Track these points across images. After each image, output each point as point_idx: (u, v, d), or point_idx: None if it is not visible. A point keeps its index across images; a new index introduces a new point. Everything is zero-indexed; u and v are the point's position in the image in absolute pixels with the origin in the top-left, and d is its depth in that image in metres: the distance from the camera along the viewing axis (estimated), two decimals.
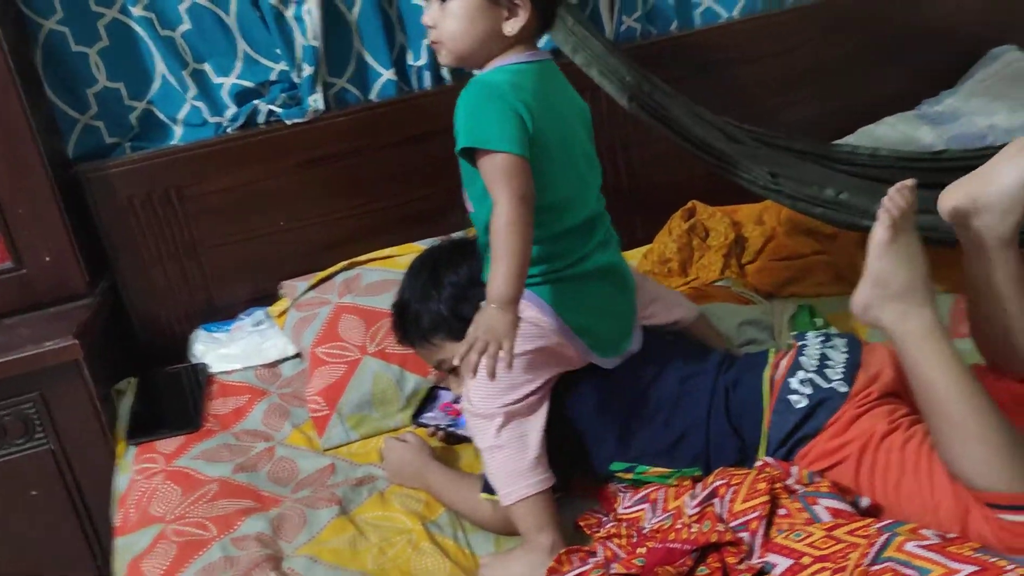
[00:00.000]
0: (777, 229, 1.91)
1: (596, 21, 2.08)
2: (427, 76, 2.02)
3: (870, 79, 2.30)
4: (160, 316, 1.93)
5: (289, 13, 1.88)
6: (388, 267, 1.87)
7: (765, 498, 1.07)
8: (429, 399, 1.59)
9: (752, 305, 1.69)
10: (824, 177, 1.52)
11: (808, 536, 1.01)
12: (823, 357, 1.23)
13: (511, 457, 1.21)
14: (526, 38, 1.20)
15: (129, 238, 1.87)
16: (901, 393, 1.18)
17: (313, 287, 1.86)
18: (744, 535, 1.06)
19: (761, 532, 1.05)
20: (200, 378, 1.76)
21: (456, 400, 1.57)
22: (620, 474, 1.28)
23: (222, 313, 1.96)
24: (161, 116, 1.93)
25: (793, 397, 1.18)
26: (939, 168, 1.50)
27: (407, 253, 1.90)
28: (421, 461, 1.40)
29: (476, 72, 1.25)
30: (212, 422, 1.65)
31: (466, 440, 1.51)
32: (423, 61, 2.00)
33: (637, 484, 1.27)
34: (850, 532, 1.00)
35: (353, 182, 1.98)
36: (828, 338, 1.27)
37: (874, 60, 2.29)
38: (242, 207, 1.92)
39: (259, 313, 1.88)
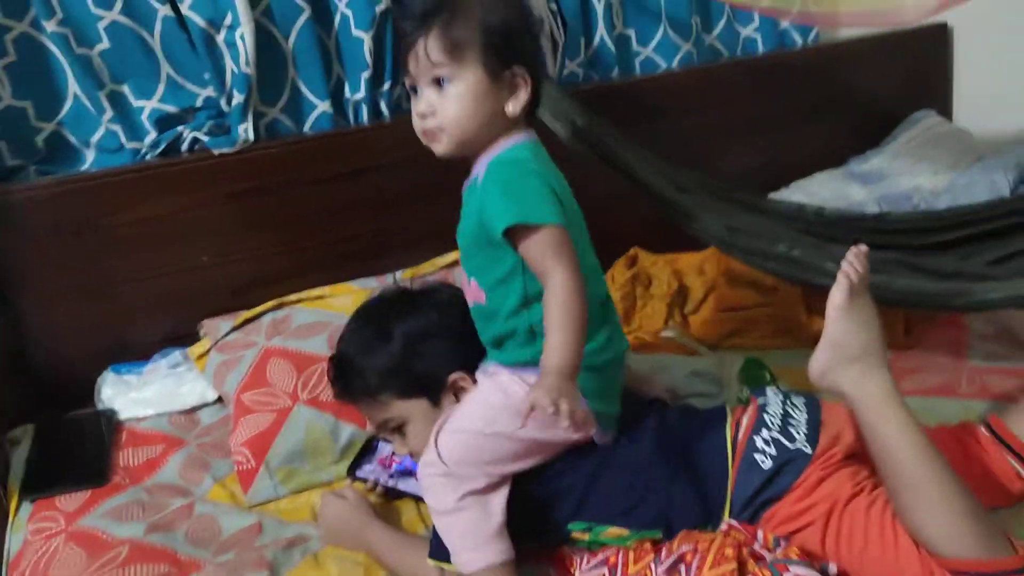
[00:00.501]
0: (718, 279, 1.90)
1: None
2: (364, 110, 1.94)
3: (799, 135, 2.35)
4: (63, 356, 1.75)
5: (220, 37, 1.77)
6: (320, 307, 1.76)
7: (733, 565, 1.02)
8: (366, 451, 1.49)
9: (698, 356, 1.66)
10: (773, 232, 1.51)
11: None
12: (785, 415, 1.19)
13: (474, 522, 1.12)
14: (523, 117, 1.17)
15: (32, 270, 1.70)
16: (861, 455, 1.15)
17: (238, 327, 1.73)
18: None
19: None
20: (107, 425, 1.60)
21: (395, 452, 1.47)
22: (576, 534, 1.21)
23: (134, 354, 1.80)
24: (72, 139, 1.79)
25: (758, 456, 1.14)
26: (882, 230, 1.52)
27: (340, 294, 1.80)
28: (361, 520, 1.30)
29: (478, 156, 1.19)
30: (121, 475, 1.49)
31: (408, 496, 1.41)
32: (361, 95, 1.92)
33: (593, 546, 1.20)
34: None
35: (282, 217, 1.87)
36: (787, 396, 1.24)
37: (803, 118, 2.35)
38: (161, 240, 1.78)
39: (176, 354, 1.74)
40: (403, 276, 1.88)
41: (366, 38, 1.87)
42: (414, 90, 1.16)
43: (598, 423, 1.20)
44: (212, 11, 1.74)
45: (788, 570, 1.00)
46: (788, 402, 1.22)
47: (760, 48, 2.34)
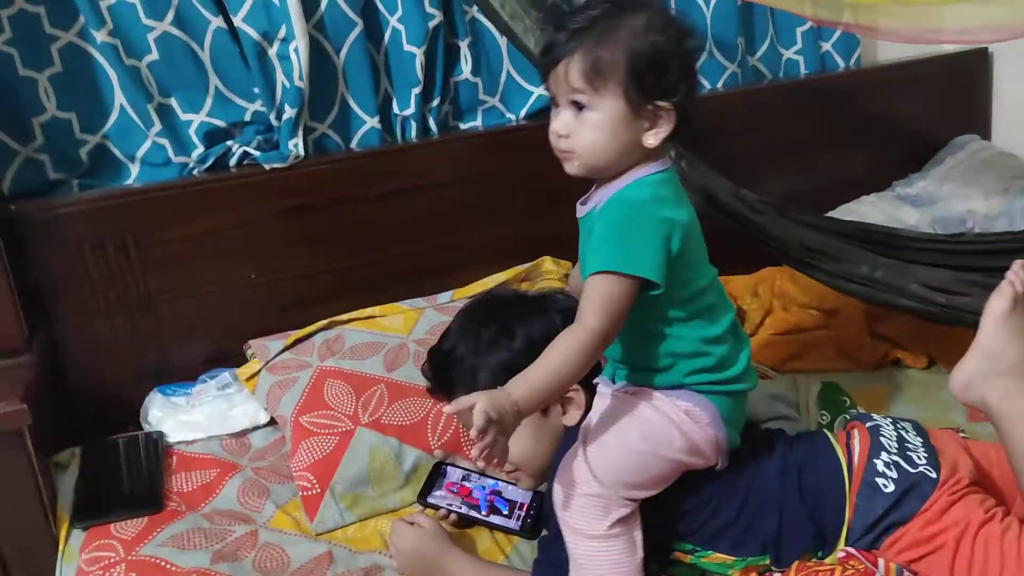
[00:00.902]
0: (774, 303, 1.86)
1: None
2: (413, 127, 1.90)
3: (840, 158, 2.33)
4: (105, 376, 1.69)
5: (273, 51, 1.73)
6: (371, 328, 1.71)
7: None
8: (434, 476, 1.42)
9: (769, 380, 1.61)
10: (851, 254, 1.48)
11: None
12: (900, 439, 1.15)
13: (624, 553, 1.09)
14: (664, 145, 1.11)
15: (75, 287, 1.64)
16: (983, 483, 1.11)
17: (288, 347, 1.67)
18: None
19: None
20: (156, 449, 1.53)
21: (466, 478, 1.41)
22: (679, 555, 1.16)
23: (177, 374, 1.73)
24: (116, 152, 1.73)
25: (880, 480, 1.10)
26: (960, 251, 1.49)
27: (390, 314, 1.76)
28: (439, 547, 1.24)
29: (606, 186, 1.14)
30: (175, 501, 1.43)
31: (481, 524, 1.35)
32: (411, 111, 1.88)
33: (693, 570, 1.15)
34: None
35: (331, 235, 1.82)
36: (895, 420, 1.20)
37: (844, 141, 2.32)
38: (207, 257, 1.72)
39: (225, 375, 1.67)
40: (454, 296, 1.83)
41: (418, 53, 1.84)
42: (553, 102, 1.13)
43: (726, 452, 1.16)
44: (266, 24, 1.70)
45: None
46: (899, 425, 1.18)
47: (802, 70, 2.32)
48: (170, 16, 1.67)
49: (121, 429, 1.65)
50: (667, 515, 1.17)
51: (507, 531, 1.34)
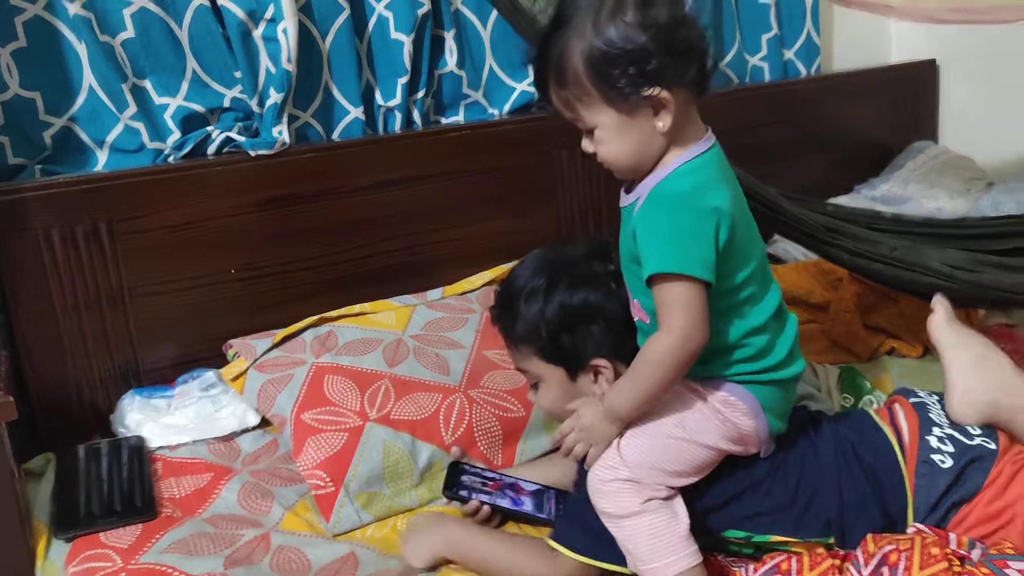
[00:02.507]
0: None
1: None
2: (397, 118, 1.84)
3: (802, 162, 2.37)
4: (69, 378, 1.55)
5: (258, 32, 1.64)
6: (364, 324, 1.62)
7: (945, 564, 0.96)
8: (453, 474, 1.35)
9: None
10: (869, 235, 1.49)
11: None
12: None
13: (664, 524, 1.03)
14: (687, 120, 1.07)
15: (37, 279, 1.50)
16: None
17: (276, 345, 1.57)
18: None
19: None
20: (141, 453, 1.40)
21: (486, 474, 1.35)
22: (735, 541, 1.12)
23: (147, 378, 1.61)
24: (84, 137, 1.60)
25: (936, 457, 1.08)
26: (964, 235, 1.53)
27: (381, 310, 1.68)
28: (444, 516, 1.23)
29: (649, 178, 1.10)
30: (169, 507, 1.30)
31: (514, 514, 1.29)
32: (397, 101, 1.81)
33: (755, 550, 1.11)
34: None
35: (314, 229, 1.72)
36: (940, 396, 1.20)
37: (806, 146, 2.37)
38: (184, 249, 1.61)
39: (209, 375, 1.55)
40: (444, 292, 1.77)
41: (407, 42, 1.78)
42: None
43: (767, 440, 1.13)
44: (253, 2, 1.61)
45: (1009, 566, 0.94)
46: (943, 401, 1.18)
47: (767, 77, 2.37)
48: None
49: (85, 437, 1.51)
50: (714, 503, 1.13)
51: (540, 521, 1.28)
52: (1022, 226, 1.46)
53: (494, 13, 1.89)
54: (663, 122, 1.04)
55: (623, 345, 1.15)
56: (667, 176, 1.06)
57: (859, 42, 2.54)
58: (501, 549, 1.18)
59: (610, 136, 1.05)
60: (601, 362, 1.18)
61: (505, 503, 1.28)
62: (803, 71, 2.42)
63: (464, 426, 1.43)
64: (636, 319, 1.15)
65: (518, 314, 1.21)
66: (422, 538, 1.22)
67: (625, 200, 1.15)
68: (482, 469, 1.37)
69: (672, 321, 1.03)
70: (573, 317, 1.18)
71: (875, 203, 2.11)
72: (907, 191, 2.18)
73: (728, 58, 2.31)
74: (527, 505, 1.29)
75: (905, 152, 2.40)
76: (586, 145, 1.10)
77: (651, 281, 1.04)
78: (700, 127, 1.10)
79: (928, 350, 1.70)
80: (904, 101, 2.51)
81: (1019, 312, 1.75)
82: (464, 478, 1.33)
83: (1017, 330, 1.76)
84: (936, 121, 2.55)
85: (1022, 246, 1.45)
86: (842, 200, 2.19)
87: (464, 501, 1.29)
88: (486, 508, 1.28)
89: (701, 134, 1.10)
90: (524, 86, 1.98)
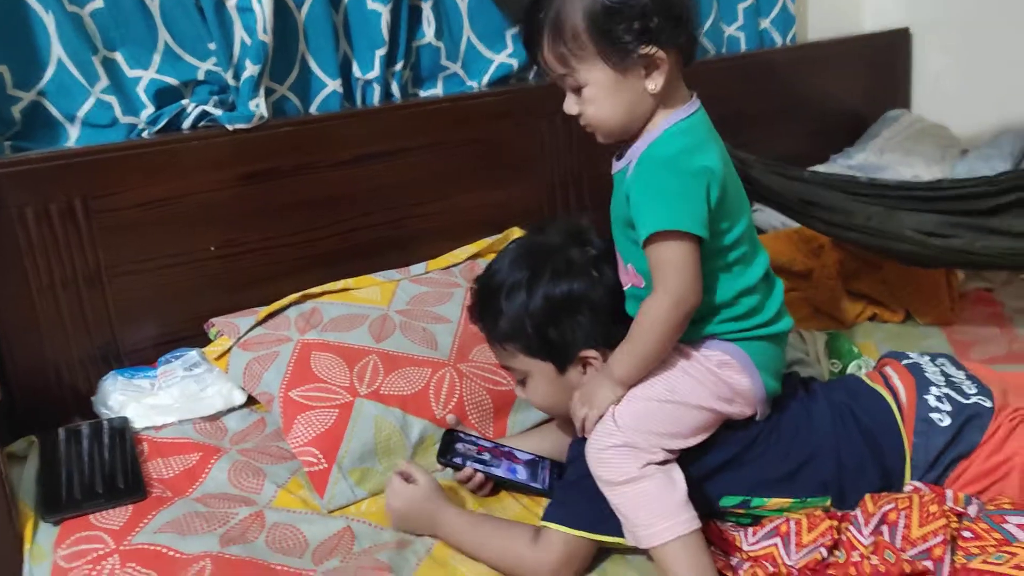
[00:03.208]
0: None
1: None
2: (376, 91, 1.81)
3: (778, 131, 2.38)
4: (47, 360, 1.51)
5: (232, 3, 1.60)
6: (348, 300, 1.61)
7: (943, 521, 0.97)
8: (448, 440, 1.34)
9: None
10: (844, 202, 1.50)
11: (1013, 557, 0.92)
12: (944, 374, 1.17)
13: (661, 489, 1.03)
14: (675, 84, 1.09)
15: (11, 259, 1.46)
16: None
17: (260, 323, 1.55)
18: (927, 563, 0.95)
19: (948, 559, 0.95)
20: (125, 434, 1.37)
21: (481, 442, 1.34)
22: (732, 509, 1.13)
23: (127, 358, 1.57)
24: (54, 111, 1.55)
25: (935, 416, 1.10)
26: (939, 197, 1.54)
27: (365, 286, 1.66)
28: (434, 505, 1.19)
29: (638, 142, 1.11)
30: (159, 488, 1.28)
31: (507, 483, 1.29)
32: (375, 74, 1.78)
33: (753, 519, 1.12)
34: None
35: (294, 204, 1.69)
36: (933, 356, 1.22)
37: (782, 115, 2.39)
38: (162, 227, 1.57)
39: (192, 354, 1.52)
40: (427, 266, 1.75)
41: (384, 12, 1.74)
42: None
43: (764, 400, 1.14)
44: None
45: (1007, 520, 0.96)
46: (937, 360, 1.20)
47: (743, 47, 2.37)
48: None
49: (66, 419, 1.48)
50: (710, 467, 1.13)
51: (534, 490, 1.28)
52: (993, 187, 1.48)
53: None
54: (654, 83, 1.06)
55: (611, 333, 1.15)
56: (657, 139, 1.08)
57: (833, 11, 2.55)
58: (486, 538, 1.16)
59: (601, 95, 1.06)
60: (590, 353, 1.17)
61: (499, 472, 1.28)
62: (779, 40, 2.43)
63: (455, 400, 1.42)
64: (629, 285, 1.15)
65: (500, 311, 1.20)
66: (416, 525, 1.21)
67: (616, 166, 1.16)
68: (476, 437, 1.37)
69: (667, 281, 1.05)
70: (558, 309, 1.17)
71: (852, 171, 2.13)
72: (883, 160, 2.20)
73: (705, 28, 2.30)
74: (521, 474, 1.29)
75: (880, 121, 2.42)
76: (570, 106, 1.11)
77: (646, 241, 1.04)
78: (686, 92, 1.13)
79: (909, 315, 1.73)
80: (878, 69, 2.52)
81: (998, 276, 1.78)
82: (459, 445, 1.32)
83: (995, 294, 1.79)
84: (910, 89, 2.58)
85: (993, 206, 1.46)
86: (820, 168, 2.20)
87: (458, 468, 1.28)
88: (479, 476, 1.27)
89: (687, 98, 1.12)
90: (503, 57, 1.96)
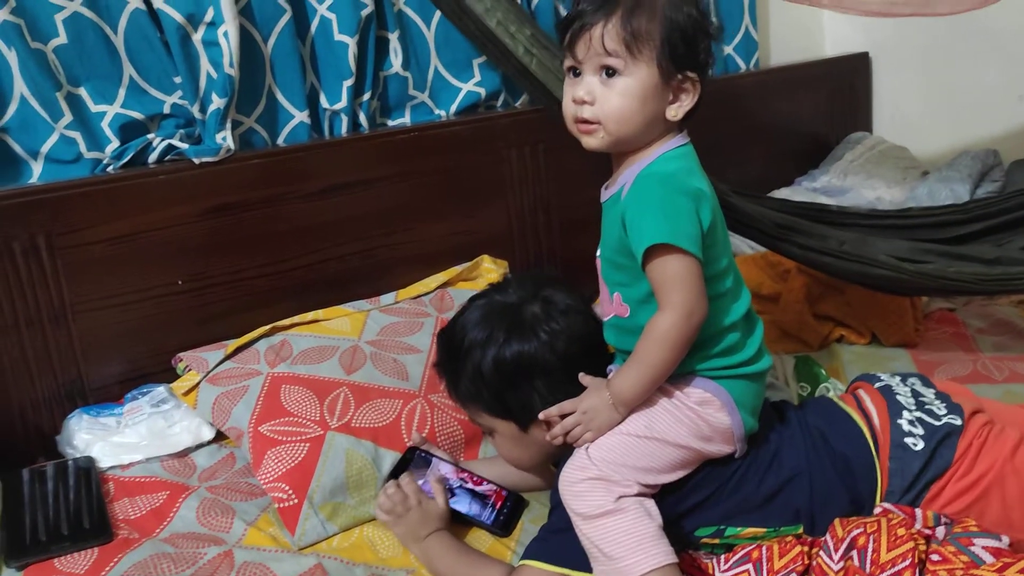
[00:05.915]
0: None
1: None
2: (343, 121, 1.81)
3: (744, 155, 2.42)
4: (9, 400, 1.48)
5: (197, 36, 1.60)
6: (318, 332, 1.60)
7: (911, 544, 0.98)
8: (406, 460, 1.34)
9: None
10: (818, 229, 1.52)
11: None
12: (915, 394, 1.18)
13: (636, 521, 1.02)
14: (680, 123, 1.10)
15: None
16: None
17: (229, 357, 1.53)
18: None
19: None
20: (91, 474, 1.35)
21: (441, 465, 1.33)
22: (706, 539, 1.13)
23: (92, 396, 1.55)
24: (16, 148, 1.54)
25: (909, 440, 1.10)
26: (909, 225, 1.57)
27: (335, 317, 1.65)
28: (434, 528, 1.21)
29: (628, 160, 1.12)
30: (125, 529, 1.26)
31: (465, 520, 1.29)
32: (343, 104, 1.78)
33: (726, 547, 1.12)
34: (1021, 572, 0.94)
35: (261, 236, 1.68)
36: (903, 377, 1.23)
37: (747, 139, 2.42)
38: (128, 262, 1.55)
39: (160, 390, 1.51)
40: (397, 297, 1.75)
41: (351, 43, 1.75)
42: (574, 71, 1.08)
43: (742, 438, 1.13)
44: (192, 6, 1.57)
45: (974, 543, 0.97)
46: (908, 381, 1.21)
47: None
48: None
49: (30, 460, 1.45)
50: (685, 506, 1.13)
51: (478, 523, 1.28)
52: (963, 215, 1.51)
53: (438, 14, 1.88)
54: (676, 111, 1.07)
55: (569, 392, 1.13)
56: (653, 160, 1.09)
57: (795, 36, 2.60)
58: (460, 569, 1.17)
59: (635, 92, 1.04)
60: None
61: (459, 506, 1.28)
62: (743, 66, 2.47)
63: (426, 431, 1.42)
64: (612, 316, 1.15)
65: (460, 371, 1.20)
66: (407, 543, 1.23)
67: (606, 195, 1.16)
68: (439, 458, 1.36)
69: (672, 296, 1.03)
70: (511, 374, 1.16)
71: (816, 194, 2.16)
72: (846, 182, 2.23)
73: None
74: (462, 503, 1.29)
75: (843, 143, 2.46)
76: (585, 88, 1.06)
77: (647, 257, 1.03)
78: (683, 127, 1.14)
79: (875, 336, 1.75)
80: (840, 93, 2.57)
81: (960, 298, 1.81)
82: (417, 465, 1.33)
83: (957, 314, 1.82)
84: (871, 112, 2.63)
85: (963, 234, 1.49)
86: (784, 193, 2.24)
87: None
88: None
89: (683, 132, 1.14)
90: (471, 86, 1.97)
